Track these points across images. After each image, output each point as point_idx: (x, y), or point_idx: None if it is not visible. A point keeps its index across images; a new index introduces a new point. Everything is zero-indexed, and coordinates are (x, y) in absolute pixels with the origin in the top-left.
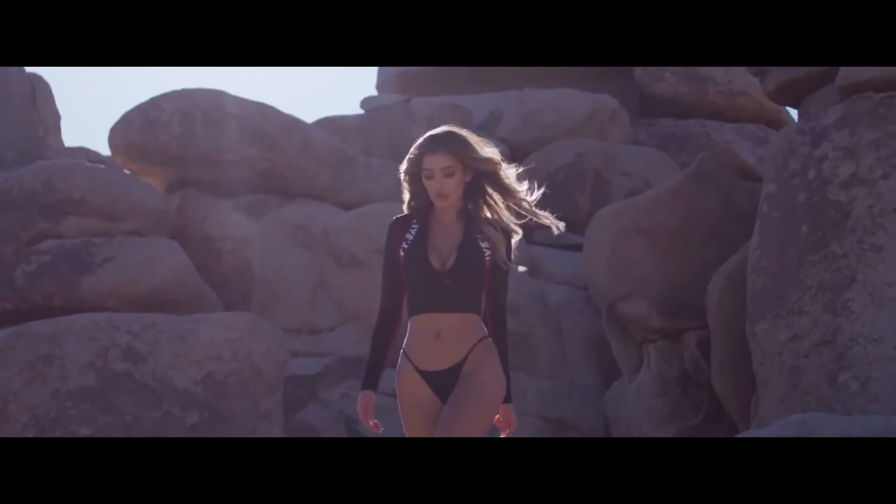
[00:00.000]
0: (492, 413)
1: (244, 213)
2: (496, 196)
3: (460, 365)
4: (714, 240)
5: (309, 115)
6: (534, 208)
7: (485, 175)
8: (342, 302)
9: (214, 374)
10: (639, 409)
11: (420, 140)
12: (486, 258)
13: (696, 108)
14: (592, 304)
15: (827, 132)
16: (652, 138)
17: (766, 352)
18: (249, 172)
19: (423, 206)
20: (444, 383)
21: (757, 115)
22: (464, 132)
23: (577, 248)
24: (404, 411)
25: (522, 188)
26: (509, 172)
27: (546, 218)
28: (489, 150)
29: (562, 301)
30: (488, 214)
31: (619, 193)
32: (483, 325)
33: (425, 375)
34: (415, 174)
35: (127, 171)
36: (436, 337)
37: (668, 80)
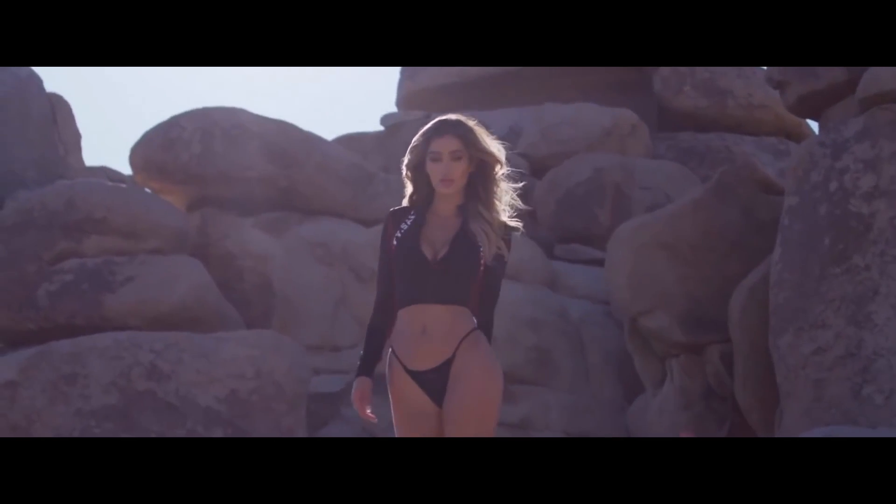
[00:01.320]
0: (493, 415)
1: (265, 231)
2: (494, 193)
3: (449, 363)
4: (735, 253)
5: (328, 132)
6: (506, 218)
7: (484, 170)
8: (363, 318)
9: (237, 391)
10: (662, 423)
11: (427, 126)
12: (480, 254)
13: (716, 122)
14: (614, 318)
15: (848, 144)
16: (671, 152)
17: (790, 365)
18: (269, 190)
19: (423, 199)
20: (433, 383)
21: (777, 127)
22: (472, 122)
23: (598, 262)
24: (397, 414)
25: (508, 198)
26: (505, 173)
27: (512, 230)
28: (495, 145)
29: (583, 316)
30: (487, 211)
31: (639, 208)
32: (472, 318)
33: (414, 375)
34: (418, 165)
35: (148, 190)
36: (421, 332)
37: (687, 94)
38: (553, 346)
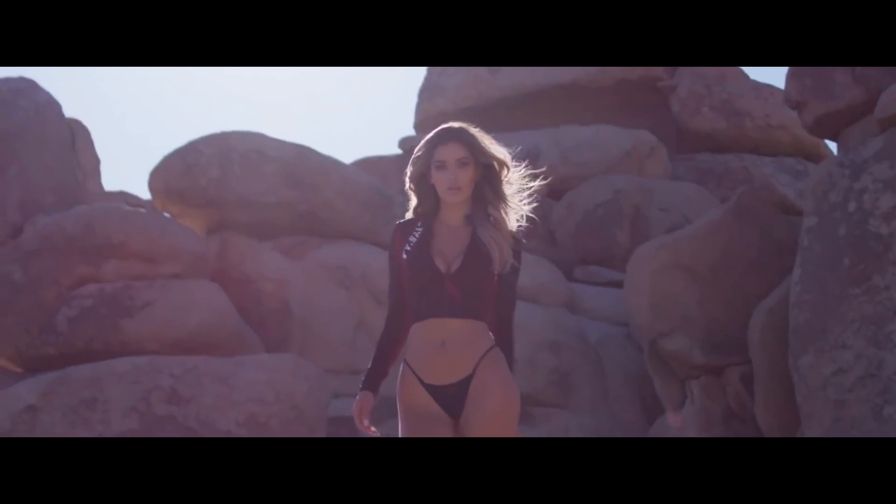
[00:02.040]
0: (512, 434)
1: (283, 255)
2: (504, 198)
3: (469, 379)
4: (755, 274)
5: (347, 155)
6: (515, 234)
7: (491, 176)
8: None
9: (257, 415)
10: None
11: (429, 135)
12: (494, 263)
13: (734, 143)
14: (633, 340)
15: (867, 164)
16: (690, 173)
17: (810, 386)
18: (288, 214)
19: (430, 211)
20: (451, 398)
21: (795, 148)
22: (476, 129)
23: (618, 284)
24: (408, 422)
25: (519, 203)
26: (513, 178)
27: (521, 239)
28: (501, 150)
29: (603, 337)
30: (497, 219)
31: (658, 229)
32: (489, 333)
33: (431, 389)
34: (422, 176)
35: (167, 215)
36: (440, 346)
37: (705, 115)
38: (572, 368)
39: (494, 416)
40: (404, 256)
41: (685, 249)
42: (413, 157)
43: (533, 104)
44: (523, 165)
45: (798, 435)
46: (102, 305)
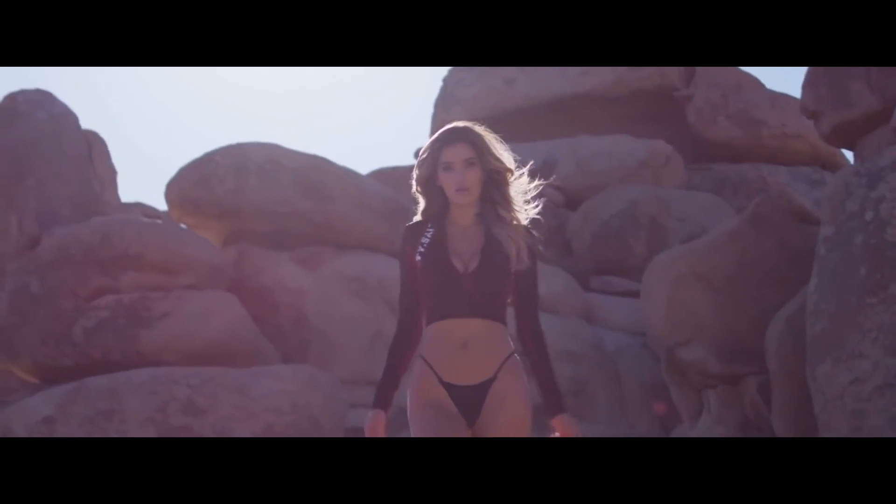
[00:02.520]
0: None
1: (300, 265)
2: (511, 198)
3: (489, 382)
4: (771, 283)
5: (363, 166)
6: (528, 228)
7: (497, 177)
8: None
9: (273, 426)
10: None
11: (435, 136)
12: (511, 261)
13: (750, 152)
14: (650, 349)
15: (883, 173)
16: (706, 183)
17: (828, 395)
18: (304, 224)
19: (438, 212)
20: (469, 401)
21: (811, 157)
22: (481, 128)
23: (634, 294)
24: (422, 416)
25: (525, 206)
26: (518, 184)
27: (535, 243)
28: (506, 154)
29: (619, 347)
30: (508, 216)
31: (674, 239)
32: (509, 337)
33: (450, 388)
34: (429, 177)
35: (183, 226)
36: (462, 347)
37: (721, 125)
38: (589, 378)
39: (513, 426)
40: (418, 258)
41: (701, 259)
42: (419, 159)
43: (549, 114)
44: (526, 169)
45: None
46: (119, 316)
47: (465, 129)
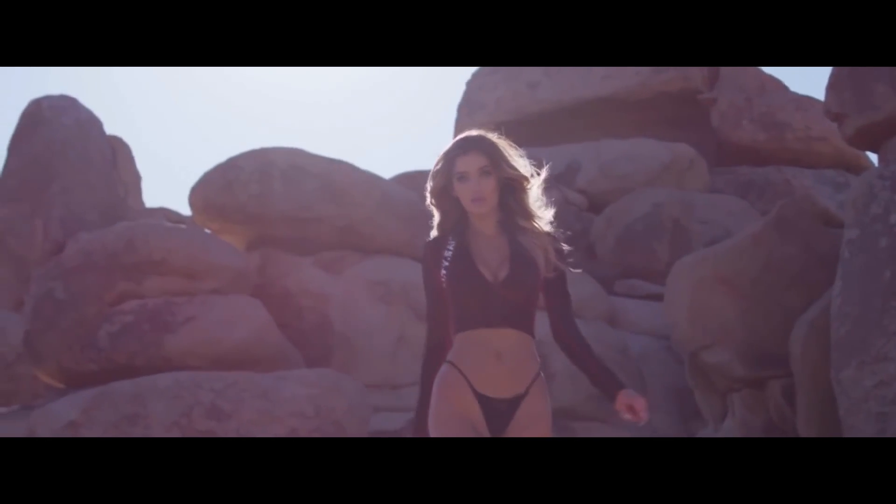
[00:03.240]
0: None
1: (324, 270)
2: (530, 205)
3: (520, 398)
4: (796, 287)
5: (386, 170)
6: (551, 233)
7: (513, 184)
8: None
9: (297, 430)
10: None
11: (447, 147)
12: (540, 269)
13: (774, 155)
14: (674, 353)
15: None
16: (730, 186)
17: (852, 399)
18: (328, 229)
19: (456, 224)
20: (500, 415)
21: (836, 160)
22: (494, 136)
23: (658, 297)
24: (448, 426)
25: (543, 213)
26: (533, 192)
27: (560, 247)
28: (521, 161)
29: (643, 351)
30: (529, 223)
31: (698, 242)
32: (536, 353)
33: (481, 399)
34: (443, 189)
35: (207, 231)
36: (496, 358)
37: (745, 128)
38: None
39: None
40: (443, 272)
41: (725, 262)
42: (432, 170)
43: (572, 118)
44: (543, 176)
45: None
46: (144, 321)
47: (478, 137)
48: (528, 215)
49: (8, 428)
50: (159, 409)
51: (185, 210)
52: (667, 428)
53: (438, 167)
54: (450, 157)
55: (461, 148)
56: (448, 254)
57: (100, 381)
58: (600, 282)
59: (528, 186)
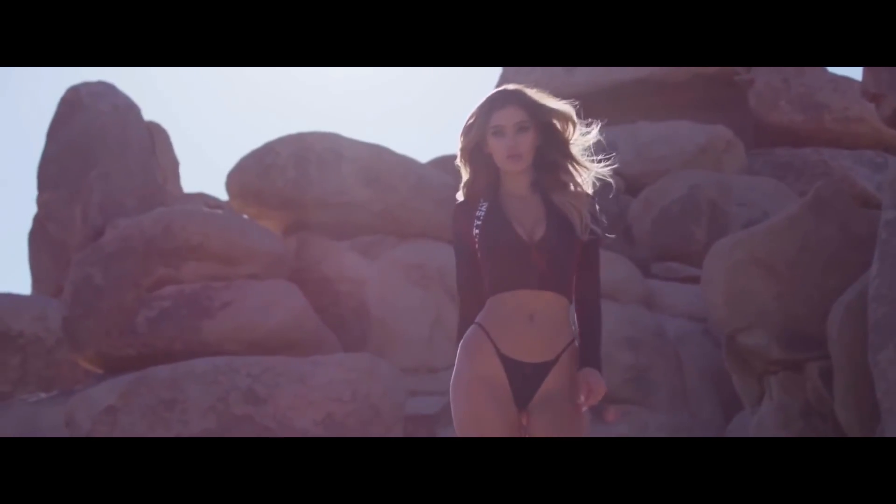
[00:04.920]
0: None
1: (360, 254)
2: (573, 157)
3: (550, 364)
4: (833, 268)
5: (423, 154)
6: (591, 196)
7: (554, 139)
8: None
9: (334, 415)
10: None
11: (483, 100)
12: (576, 230)
13: (812, 136)
14: (711, 336)
15: None
16: (768, 168)
17: (890, 381)
18: (365, 213)
19: (488, 184)
20: (526, 380)
21: (874, 141)
22: (532, 89)
23: (695, 280)
24: (469, 389)
25: (590, 165)
26: (581, 140)
27: (593, 217)
28: (562, 105)
29: (680, 334)
30: (568, 181)
31: (735, 224)
32: (572, 319)
33: (507, 362)
34: (477, 146)
35: (245, 216)
36: (529, 320)
37: (782, 109)
38: (650, 365)
39: (572, 423)
40: (475, 231)
41: (762, 244)
42: (465, 126)
43: (608, 100)
44: (584, 124)
45: (878, 431)
46: (182, 306)
47: (516, 90)
48: (573, 166)
49: (47, 413)
50: (196, 394)
51: (222, 195)
52: (704, 411)
53: (472, 122)
54: (485, 111)
55: (498, 101)
56: (481, 213)
57: (138, 367)
58: (637, 265)
59: (572, 135)
